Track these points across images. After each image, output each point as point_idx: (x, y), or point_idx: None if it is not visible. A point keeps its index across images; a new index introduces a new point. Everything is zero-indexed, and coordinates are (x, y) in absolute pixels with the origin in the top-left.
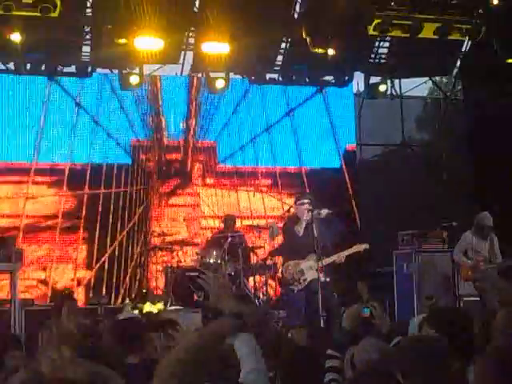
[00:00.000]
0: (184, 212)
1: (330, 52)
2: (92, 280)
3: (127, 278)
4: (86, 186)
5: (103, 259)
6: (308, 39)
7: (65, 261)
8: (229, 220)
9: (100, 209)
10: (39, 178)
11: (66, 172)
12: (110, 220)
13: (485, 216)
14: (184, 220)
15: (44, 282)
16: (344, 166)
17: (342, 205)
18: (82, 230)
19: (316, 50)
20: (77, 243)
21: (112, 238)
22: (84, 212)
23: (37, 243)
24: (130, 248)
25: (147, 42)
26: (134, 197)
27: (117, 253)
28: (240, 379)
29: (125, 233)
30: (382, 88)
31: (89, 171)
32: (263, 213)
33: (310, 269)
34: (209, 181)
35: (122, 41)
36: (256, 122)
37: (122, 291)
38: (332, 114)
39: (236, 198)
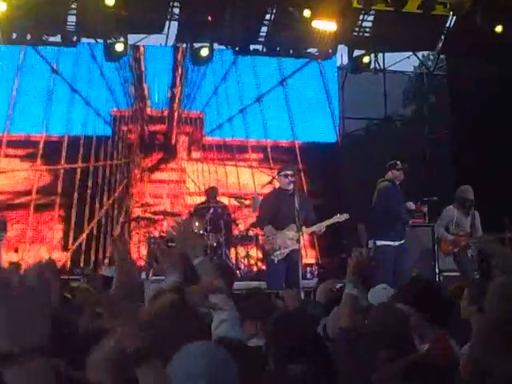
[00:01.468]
0: (168, 188)
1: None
2: (68, 262)
3: (109, 249)
4: (63, 160)
5: (80, 240)
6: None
7: (39, 241)
8: (211, 191)
9: (77, 185)
10: (11, 151)
11: (41, 144)
12: (89, 197)
13: (466, 189)
14: (168, 197)
15: (16, 265)
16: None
17: (337, 181)
18: (57, 208)
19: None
20: (52, 222)
21: (90, 217)
22: (60, 188)
23: (8, 222)
24: (108, 227)
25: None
26: (115, 172)
27: (95, 232)
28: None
29: (104, 211)
30: (366, 59)
31: (65, 144)
32: (253, 190)
33: (290, 239)
34: (195, 155)
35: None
36: (247, 92)
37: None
38: (327, 86)
39: (224, 173)
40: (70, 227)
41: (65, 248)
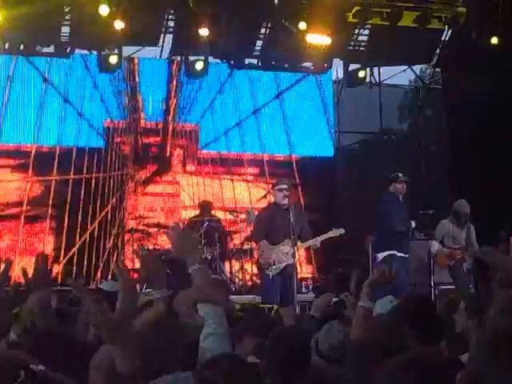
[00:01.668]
0: (162, 202)
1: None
2: (59, 275)
3: (102, 261)
4: (54, 171)
5: (72, 252)
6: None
7: (29, 253)
8: (205, 205)
9: (69, 197)
10: (2, 161)
11: (32, 155)
12: (81, 209)
13: (462, 203)
14: (162, 210)
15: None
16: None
17: (334, 196)
18: (49, 220)
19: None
20: (43, 234)
21: (82, 230)
22: (52, 200)
23: None
24: (101, 240)
25: (128, 23)
26: (107, 184)
27: (87, 245)
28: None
29: (96, 224)
30: (361, 75)
31: (57, 154)
32: (249, 204)
33: (285, 254)
34: (190, 168)
35: (103, 10)
36: (243, 105)
37: (98, 274)
38: (324, 100)
39: (219, 187)
40: (61, 239)
41: (56, 260)
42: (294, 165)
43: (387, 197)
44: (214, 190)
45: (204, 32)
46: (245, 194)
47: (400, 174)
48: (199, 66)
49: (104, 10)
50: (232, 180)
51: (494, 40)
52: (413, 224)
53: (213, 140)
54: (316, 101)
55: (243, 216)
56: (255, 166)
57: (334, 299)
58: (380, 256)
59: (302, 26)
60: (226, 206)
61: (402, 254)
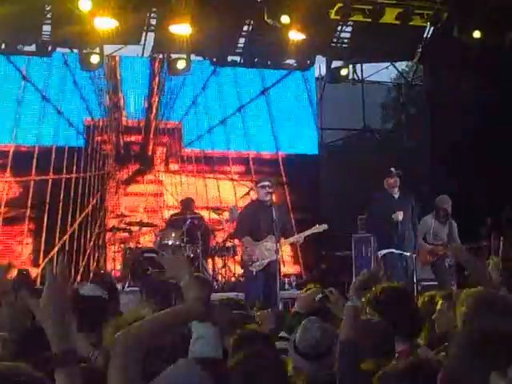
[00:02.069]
0: (145, 202)
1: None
2: (38, 278)
3: (84, 260)
4: (33, 171)
5: (51, 254)
6: (269, 21)
7: (7, 256)
8: (187, 202)
9: (49, 197)
10: None
11: (10, 155)
12: (60, 210)
13: (443, 198)
14: (145, 211)
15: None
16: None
17: (319, 193)
18: (27, 222)
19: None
20: (21, 236)
21: (62, 231)
22: (30, 201)
23: None
24: (82, 241)
25: (109, 21)
26: (88, 184)
27: (67, 247)
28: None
29: (76, 225)
30: (344, 72)
31: (36, 154)
32: (234, 203)
33: (269, 250)
34: (173, 167)
35: (85, 6)
36: (227, 102)
37: (78, 277)
38: (307, 97)
39: (203, 186)
40: (40, 241)
41: (35, 263)
42: (281, 163)
43: (375, 196)
44: (198, 189)
45: (186, 30)
46: (230, 193)
47: (392, 169)
48: (181, 64)
49: (86, 6)
50: (217, 179)
51: (477, 34)
52: (399, 217)
53: (197, 138)
54: (302, 97)
55: (226, 216)
56: (240, 164)
57: (319, 296)
58: (380, 254)
59: (285, 22)
60: (210, 205)
61: (401, 252)
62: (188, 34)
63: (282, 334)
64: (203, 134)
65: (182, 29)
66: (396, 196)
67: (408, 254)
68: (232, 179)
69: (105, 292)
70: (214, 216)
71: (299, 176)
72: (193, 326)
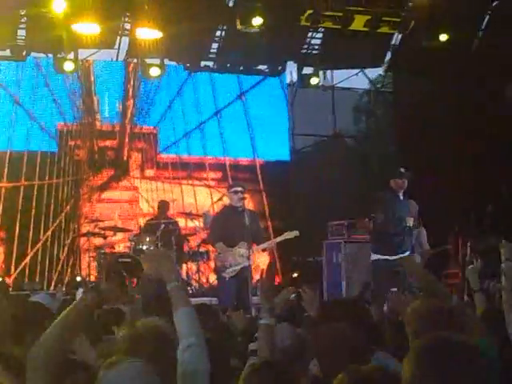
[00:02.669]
0: (120, 209)
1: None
2: (11, 288)
3: (58, 267)
4: (4, 178)
5: (23, 264)
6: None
7: None
8: (162, 205)
9: (20, 204)
10: None
11: None
12: (32, 218)
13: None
14: (119, 218)
15: None
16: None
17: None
18: None
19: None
20: None
21: (34, 239)
22: (1, 208)
23: None
24: (55, 250)
25: (84, 26)
26: (61, 191)
27: (39, 256)
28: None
29: (49, 233)
30: (314, 81)
31: (7, 160)
32: (211, 211)
33: (241, 256)
34: (148, 173)
35: (58, 9)
36: (204, 107)
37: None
38: (280, 102)
39: (180, 192)
40: (12, 250)
41: (6, 273)
42: (258, 169)
43: (381, 195)
44: (174, 195)
45: (155, 34)
46: (206, 200)
47: (402, 170)
48: (155, 71)
49: (59, 9)
50: (193, 185)
51: (443, 37)
52: (410, 222)
53: (173, 143)
54: (277, 103)
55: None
56: (217, 170)
57: (293, 294)
58: (372, 257)
59: (256, 29)
60: (186, 211)
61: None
62: (159, 39)
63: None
64: (179, 139)
65: (151, 33)
66: (401, 197)
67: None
68: (209, 186)
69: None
70: (191, 224)
71: (273, 183)
72: (181, 335)
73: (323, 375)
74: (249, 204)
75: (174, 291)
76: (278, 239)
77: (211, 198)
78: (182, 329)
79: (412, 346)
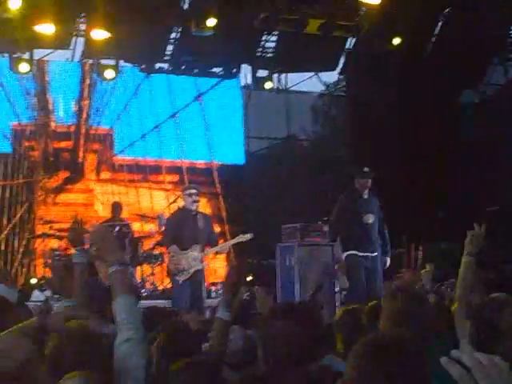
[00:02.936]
0: (75, 212)
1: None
2: None
3: (13, 269)
4: None
5: None
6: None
7: None
8: (115, 208)
9: None
10: None
11: None
12: None
13: None
14: (72, 220)
15: None
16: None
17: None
18: None
19: None
20: None
21: None
22: None
23: None
24: (8, 255)
25: (39, 26)
26: (15, 193)
27: None
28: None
29: (4, 236)
30: (268, 85)
31: None
32: (168, 214)
33: (194, 259)
34: (104, 175)
35: (13, 6)
36: (161, 108)
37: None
38: (235, 105)
39: (136, 195)
40: None
41: None
42: (215, 172)
43: (343, 195)
44: (130, 198)
45: (114, 36)
46: (163, 203)
47: (366, 169)
48: (110, 72)
49: (14, 5)
50: (149, 188)
51: (396, 41)
52: (369, 219)
53: (129, 145)
54: (234, 105)
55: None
56: (174, 173)
57: (246, 294)
58: (343, 256)
59: (211, 31)
60: (141, 214)
61: (366, 254)
62: (114, 40)
63: (210, 334)
64: (136, 141)
65: (106, 35)
66: (365, 196)
67: (374, 254)
68: (165, 189)
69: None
70: (144, 226)
71: (230, 186)
72: (119, 326)
73: (269, 376)
74: (206, 208)
75: (115, 275)
76: (232, 242)
77: (168, 202)
78: (120, 319)
79: (353, 347)
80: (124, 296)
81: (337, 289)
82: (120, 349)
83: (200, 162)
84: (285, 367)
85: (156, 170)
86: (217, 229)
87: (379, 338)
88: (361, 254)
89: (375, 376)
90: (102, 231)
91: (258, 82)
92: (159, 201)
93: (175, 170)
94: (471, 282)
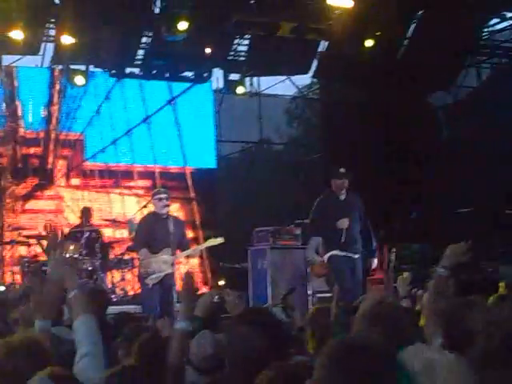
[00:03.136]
0: (44, 219)
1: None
2: None
3: None
4: None
5: None
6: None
7: None
8: (85, 213)
9: None
10: None
11: None
12: None
13: None
14: (44, 229)
15: None
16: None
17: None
18: None
19: None
20: None
21: None
22: None
23: None
24: None
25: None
26: None
27: None
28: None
29: None
30: (240, 91)
31: None
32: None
33: (165, 263)
34: (74, 181)
35: None
36: (133, 113)
37: None
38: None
39: (108, 202)
40: None
41: None
42: (189, 177)
43: (319, 198)
44: (101, 205)
45: (84, 41)
46: (135, 209)
47: (341, 170)
48: (80, 79)
49: None
50: (121, 194)
51: (369, 43)
52: (344, 224)
53: (100, 150)
54: (206, 109)
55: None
56: (146, 178)
57: (216, 296)
58: (325, 258)
59: (182, 36)
60: (111, 219)
61: (349, 254)
62: (83, 45)
63: None
64: (107, 147)
65: (76, 40)
66: (342, 197)
67: (356, 256)
68: (137, 195)
69: None
70: (115, 231)
71: (203, 190)
72: (78, 344)
73: (233, 380)
74: (179, 213)
75: (74, 299)
76: (203, 246)
77: (140, 208)
78: (78, 338)
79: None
80: (83, 315)
81: (309, 291)
82: (78, 364)
83: (173, 167)
84: (246, 371)
85: (128, 175)
86: (190, 234)
87: (349, 338)
88: (343, 254)
89: (342, 377)
90: (61, 261)
91: (230, 85)
92: (131, 206)
93: (148, 175)
94: (442, 292)
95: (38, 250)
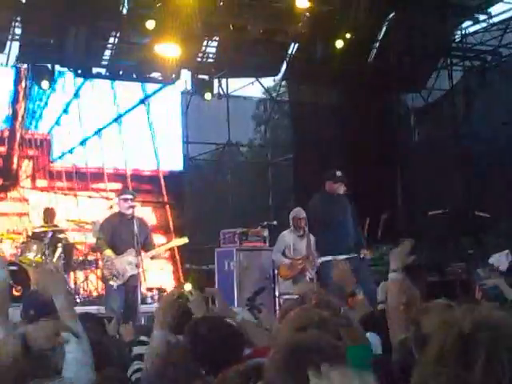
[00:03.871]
0: (8, 223)
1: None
2: None
3: None
4: None
5: None
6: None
7: None
8: (48, 213)
9: None
10: None
11: None
12: None
13: (296, 210)
14: (8, 233)
15: None
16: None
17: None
18: None
19: None
20: None
21: None
22: None
23: None
24: None
25: None
26: None
27: None
28: None
29: None
30: (208, 96)
31: None
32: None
33: (129, 264)
34: (40, 183)
35: None
36: (103, 112)
37: None
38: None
39: (75, 205)
40: None
41: None
42: (162, 180)
43: (313, 199)
44: (68, 208)
45: (50, 40)
46: (105, 213)
47: (338, 173)
48: (45, 83)
49: None
50: (90, 197)
51: (340, 44)
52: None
53: (68, 151)
54: (174, 111)
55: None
56: (117, 180)
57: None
58: (320, 260)
59: (149, 37)
60: (76, 220)
61: (347, 256)
62: (49, 45)
63: (142, 338)
64: (75, 147)
65: (41, 39)
66: (337, 198)
67: (354, 255)
68: (107, 198)
69: None
70: (90, 241)
71: (173, 193)
72: (68, 345)
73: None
74: (151, 217)
75: (62, 304)
76: (167, 246)
77: (110, 211)
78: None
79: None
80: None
81: (277, 293)
82: (68, 371)
83: (145, 170)
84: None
85: (98, 177)
86: (163, 239)
87: (299, 337)
88: (339, 258)
89: (290, 374)
90: (44, 271)
91: (199, 87)
92: (100, 209)
93: (119, 177)
94: (400, 297)
95: None
